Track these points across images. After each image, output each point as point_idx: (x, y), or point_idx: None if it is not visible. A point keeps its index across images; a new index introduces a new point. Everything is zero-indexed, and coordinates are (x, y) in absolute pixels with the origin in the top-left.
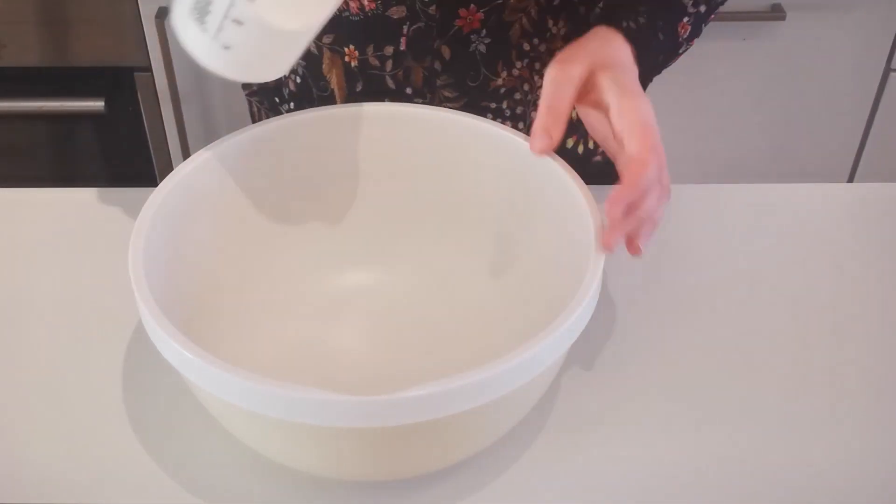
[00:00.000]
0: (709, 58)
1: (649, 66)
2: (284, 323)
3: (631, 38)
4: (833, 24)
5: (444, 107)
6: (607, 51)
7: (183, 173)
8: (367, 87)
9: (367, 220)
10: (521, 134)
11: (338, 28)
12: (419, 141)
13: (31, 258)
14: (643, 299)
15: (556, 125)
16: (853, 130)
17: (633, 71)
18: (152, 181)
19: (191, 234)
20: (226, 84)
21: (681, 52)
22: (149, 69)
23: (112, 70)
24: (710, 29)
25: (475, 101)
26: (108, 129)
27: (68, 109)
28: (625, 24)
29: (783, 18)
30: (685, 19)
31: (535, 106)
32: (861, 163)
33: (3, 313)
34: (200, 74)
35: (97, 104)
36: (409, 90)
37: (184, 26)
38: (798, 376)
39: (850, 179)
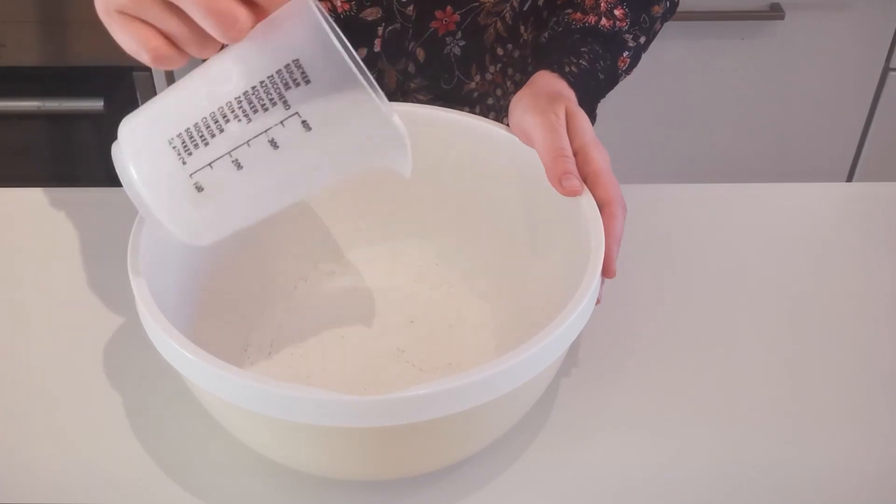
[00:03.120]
0: (708, 57)
1: (589, 107)
2: (283, 322)
3: (573, 83)
4: (832, 24)
5: None
6: (560, 95)
7: None
8: None
9: (368, 220)
10: None
11: None
12: (420, 141)
13: (31, 258)
14: (642, 299)
15: (573, 165)
16: (852, 130)
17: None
18: None
19: None
20: None
21: (619, 82)
22: (148, 69)
23: (111, 69)
24: (709, 28)
25: (449, 104)
26: (107, 128)
27: (67, 109)
28: (567, 69)
29: (782, 18)
30: (625, 53)
31: (506, 112)
32: (860, 162)
33: (3, 313)
34: None
35: (96, 104)
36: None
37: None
38: (798, 376)
39: (850, 178)
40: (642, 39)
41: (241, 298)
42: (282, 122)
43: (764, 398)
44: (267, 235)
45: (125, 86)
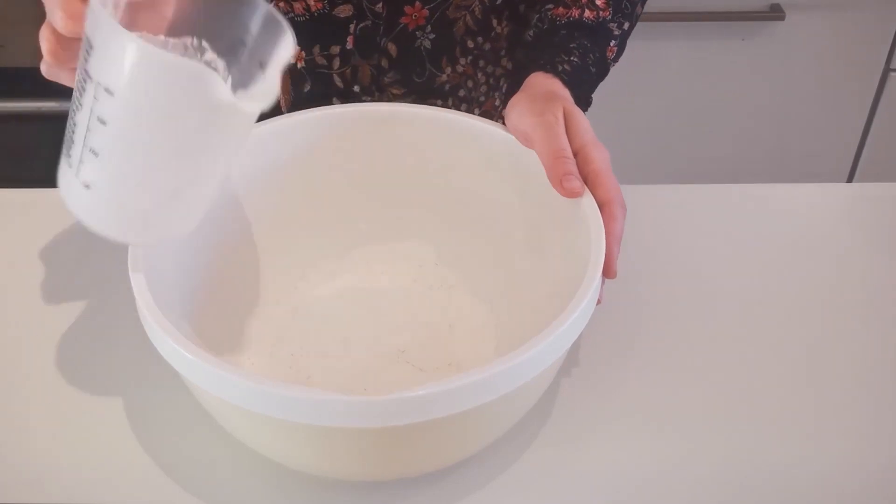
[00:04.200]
0: (708, 58)
1: (584, 102)
2: (283, 323)
3: (568, 82)
4: (832, 24)
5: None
6: (556, 95)
7: None
8: (316, 86)
9: (367, 220)
10: None
11: None
12: (419, 141)
13: (32, 258)
14: (643, 299)
15: (573, 166)
16: (853, 130)
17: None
18: None
19: (190, 234)
20: None
21: (609, 71)
22: None
23: None
24: (709, 29)
25: (422, 97)
26: None
27: (67, 110)
28: (560, 68)
29: (782, 18)
30: (612, 43)
31: (478, 103)
32: (860, 162)
33: (3, 313)
34: None
35: None
36: (356, 88)
37: (61, 168)
38: (798, 376)
39: (850, 179)
40: (626, 25)
41: (241, 298)
42: (95, 96)
43: (764, 398)
44: (267, 236)
45: None
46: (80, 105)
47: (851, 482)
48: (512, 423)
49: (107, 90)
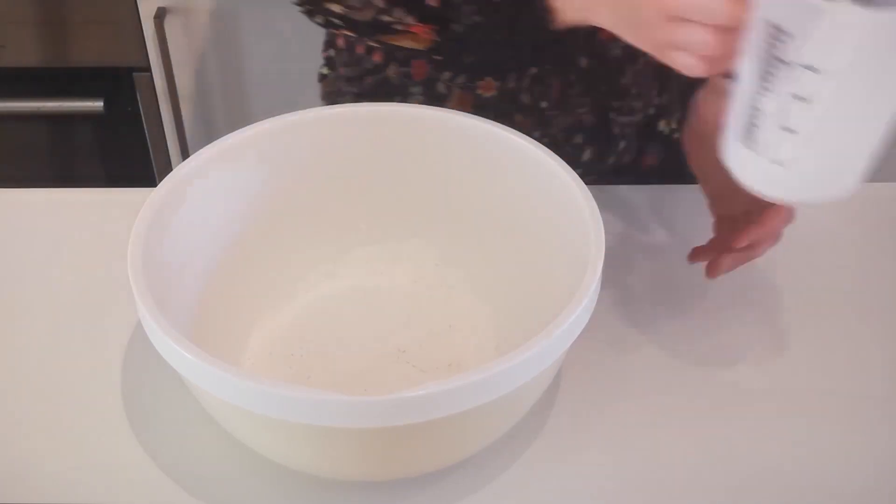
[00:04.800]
0: None
1: None
2: (283, 323)
3: None
4: None
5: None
6: None
7: (182, 173)
8: (497, 107)
9: (367, 220)
10: (519, 133)
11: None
12: (420, 141)
13: (31, 258)
14: (643, 299)
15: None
16: None
17: None
18: (151, 181)
19: (190, 234)
20: (225, 84)
21: None
22: (148, 69)
23: (111, 70)
24: None
25: (605, 103)
26: (107, 129)
27: (67, 110)
28: None
29: None
30: None
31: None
32: None
33: (3, 313)
34: (199, 74)
35: (96, 104)
36: (544, 104)
37: (734, 151)
38: (798, 376)
39: None
40: None
41: (241, 299)
42: (792, 78)
43: (763, 397)
44: (267, 236)
45: (125, 86)
46: (767, 90)
47: (851, 482)
48: (512, 423)
49: (810, 68)
